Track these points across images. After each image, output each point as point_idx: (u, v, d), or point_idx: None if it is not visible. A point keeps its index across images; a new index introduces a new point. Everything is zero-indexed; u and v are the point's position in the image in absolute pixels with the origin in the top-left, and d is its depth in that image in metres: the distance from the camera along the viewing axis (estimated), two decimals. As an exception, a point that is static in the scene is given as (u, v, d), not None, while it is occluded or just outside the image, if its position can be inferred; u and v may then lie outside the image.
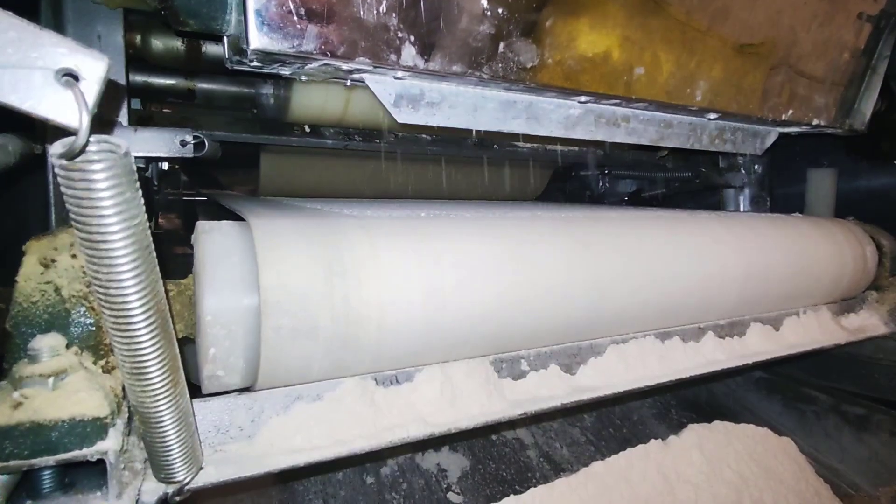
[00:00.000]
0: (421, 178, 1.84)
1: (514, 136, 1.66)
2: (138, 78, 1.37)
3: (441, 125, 0.94)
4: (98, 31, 1.02)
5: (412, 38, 0.73)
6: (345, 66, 0.73)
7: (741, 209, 1.90)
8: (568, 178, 2.38)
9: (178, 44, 1.16)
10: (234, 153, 1.68)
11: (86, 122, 0.41)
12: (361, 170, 1.78)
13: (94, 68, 0.44)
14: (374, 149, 1.47)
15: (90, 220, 0.43)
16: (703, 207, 2.04)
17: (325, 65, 0.72)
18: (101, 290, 0.46)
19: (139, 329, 0.48)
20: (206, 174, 2.26)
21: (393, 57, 0.73)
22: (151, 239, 0.49)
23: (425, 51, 0.74)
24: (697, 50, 1.01)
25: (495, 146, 1.66)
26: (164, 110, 1.38)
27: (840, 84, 1.30)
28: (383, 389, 0.79)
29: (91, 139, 0.42)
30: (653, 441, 1.13)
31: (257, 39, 0.65)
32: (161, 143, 1.06)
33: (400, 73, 0.78)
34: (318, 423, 0.71)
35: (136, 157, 1.11)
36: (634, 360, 1.01)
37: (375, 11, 0.71)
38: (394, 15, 0.72)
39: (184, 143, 1.07)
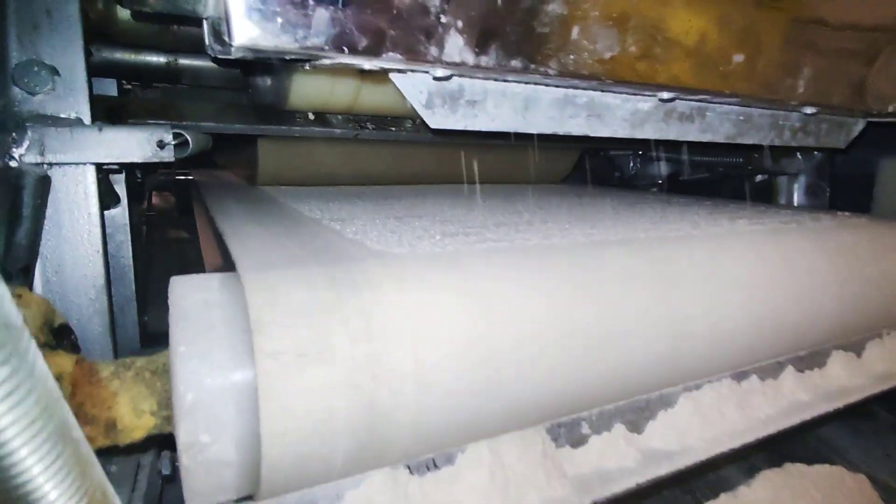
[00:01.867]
0: (438, 162, 1.63)
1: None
2: (112, 55, 1.16)
3: (484, 129, 0.74)
4: (46, 1, 0.81)
5: (459, 25, 0.53)
6: (367, 65, 0.53)
7: (794, 200, 1.70)
8: (596, 158, 2.17)
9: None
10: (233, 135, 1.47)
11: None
12: (371, 155, 1.57)
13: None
14: (389, 138, 1.27)
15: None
16: (750, 196, 1.84)
17: (339, 64, 0.52)
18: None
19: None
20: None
21: (433, 51, 0.53)
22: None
23: (477, 41, 0.54)
24: (803, 34, 0.80)
25: (525, 131, 1.45)
26: (141, 94, 1.17)
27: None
28: (418, 479, 0.62)
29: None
30: (722, 496, 0.98)
31: (243, 32, 0.45)
32: (134, 146, 0.86)
33: (441, 72, 0.57)
34: (338, 536, 0.55)
35: (104, 165, 0.93)
36: (710, 411, 0.85)
37: (409, -14, 0.50)
38: (433, -10, 0.52)
39: (162, 144, 0.87)
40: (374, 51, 0.50)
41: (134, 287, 1.22)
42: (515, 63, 0.58)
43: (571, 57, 0.60)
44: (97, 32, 0.93)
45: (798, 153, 1.66)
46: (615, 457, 0.74)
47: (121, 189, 1.17)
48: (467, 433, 0.64)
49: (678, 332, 0.76)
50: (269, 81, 1.16)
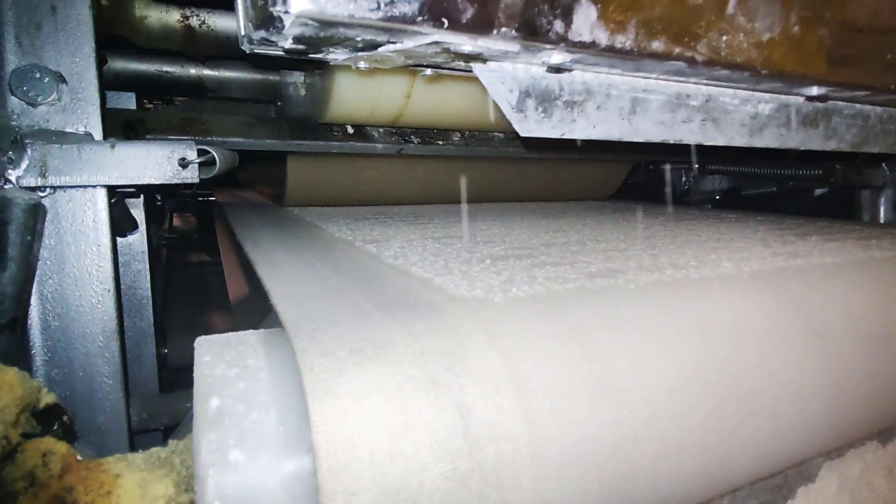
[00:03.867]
0: (481, 177, 1.49)
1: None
2: (129, 66, 1.04)
3: (583, 137, 0.60)
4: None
5: (591, -8, 0.38)
6: (467, 48, 0.39)
7: (880, 216, 1.52)
8: (645, 172, 2.01)
9: (173, 16, 0.82)
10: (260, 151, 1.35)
11: None
12: (409, 171, 1.43)
13: None
14: (436, 153, 1.13)
15: None
16: (828, 212, 1.67)
17: (434, 44, 0.38)
18: None
19: None
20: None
21: (558, 26, 0.39)
22: None
23: (613, 15, 0.39)
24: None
25: (578, 141, 1.30)
26: (162, 107, 1.05)
27: None
28: None
29: None
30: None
31: (306, -2, 0.31)
32: (152, 165, 0.73)
33: (559, 57, 0.43)
34: None
35: (116, 187, 0.79)
36: (858, 485, 0.67)
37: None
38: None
39: (184, 163, 0.74)
40: (482, 25, 0.36)
41: (152, 320, 1.09)
42: (657, 45, 0.43)
43: (724, 38, 0.45)
44: (111, 33, 0.80)
45: (884, 163, 1.49)
46: (758, 556, 0.58)
47: (139, 214, 1.05)
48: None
49: (834, 391, 0.59)
50: (305, 89, 1.03)
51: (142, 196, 1.05)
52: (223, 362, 0.38)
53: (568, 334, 0.47)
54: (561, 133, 0.57)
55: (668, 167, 1.97)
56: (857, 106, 0.78)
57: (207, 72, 1.08)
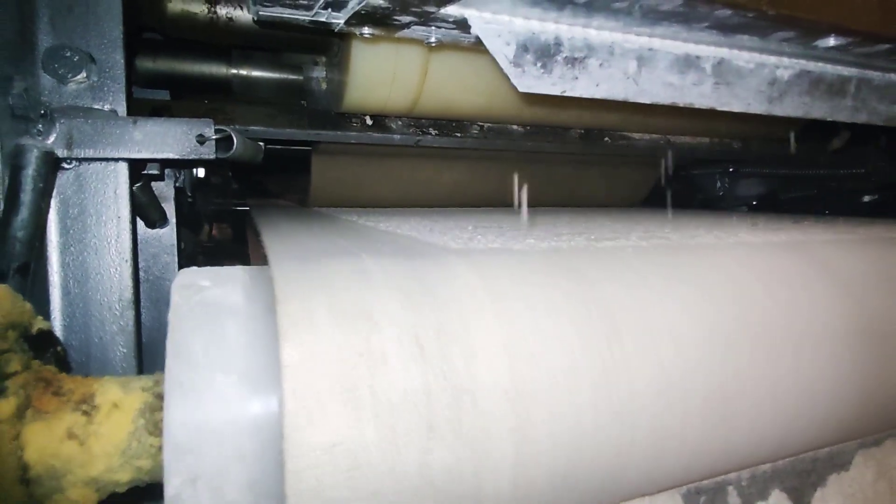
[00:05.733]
0: (507, 180, 1.48)
1: (629, 125, 1.28)
2: (164, 64, 1.10)
3: (586, 96, 0.58)
4: (84, -16, 0.73)
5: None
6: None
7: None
8: (677, 178, 1.96)
9: (200, 7, 0.86)
10: (289, 156, 1.39)
11: None
12: (433, 172, 1.44)
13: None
14: (454, 145, 1.13)
15: None
16: (868, 214, 1.58)
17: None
18: None
19: None
20: (257, 180, 2.01)
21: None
22: None
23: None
24: None
25: (606, 139, 1.28)
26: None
27: None
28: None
29: None
30: None
31: None
32: (171, 140, 0.76)
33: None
34: None
35: (138, 161, 0.83)
36: (900, 477, 0.61)
37: None
38: None
39: (202, 140, 0.76)
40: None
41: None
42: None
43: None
44: (141, 23, 0.85)
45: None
46: (780, 540, 0.53)
47: (169, 208, 1.09)
48: (574, 498, 0.45)
49: (872, 368, 0.55)
50: (325, 84, 1.06)
51: (173, 191, 1.10)
52: (199, 293, 0.39)
53: (574, 290, 0.45)
54: (562, 90, 0.57)
55: (700, 172, 1.91)
56: (891, 76, 0.75)
57: (235, 71, 1.13)
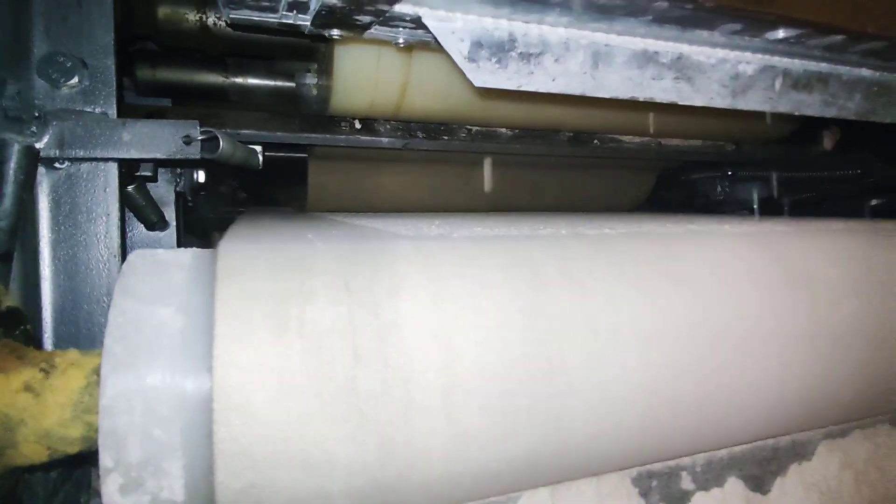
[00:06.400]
0: (499, 184, 1.50)
1: (621, 128, 1.29)
2: (164, 74, 1.15)
3: (543, 90, 0.60)
4: (78, -7, 0.78)
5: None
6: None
7: (932, 217, 1.40)
8: (676, 182, 1.96)
9: (191, 15, 0.90)
10: (292, 164, 1.43)
11: None
12: (425, 176, 1.47)
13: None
14: (441, 148, 1.15)
15: None
16: (868, 216, 1.56)
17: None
18: None
19: None
20: (261, 189, 2.05)
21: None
22: None
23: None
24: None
25: (595, 141, 1.29)
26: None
27: None
28: (454, 539, 0.45)
29: None
30: None
31: None
32: (158, 141, 0.79)
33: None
34: None
35: (128, 161, 0.87)
36: (867, 467, 0.61)
37: None
38: None
39: (188, 140, 0.80)
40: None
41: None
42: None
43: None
44: (134, 30, 0.90)
45: (932, 161, 1.39)
46: (734, 526, 0.53)
47: (169, 211, 1.14)
48: (521, 477, 0.46)
49: (830, 352, 0.55)
50: (316, 90, 1.09)
51: (173, 195, 1.14)
52: (152, 256, 0.41)
53: (511, 269, 0.47)
54: (518, 84, 0.59)
55: (699, 176, 1.91)
56: (860, 71, 0.75)
57: (231, 79, 1.18)
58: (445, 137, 1.14)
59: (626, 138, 1.32)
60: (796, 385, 0.54)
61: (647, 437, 0.48)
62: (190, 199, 1.37)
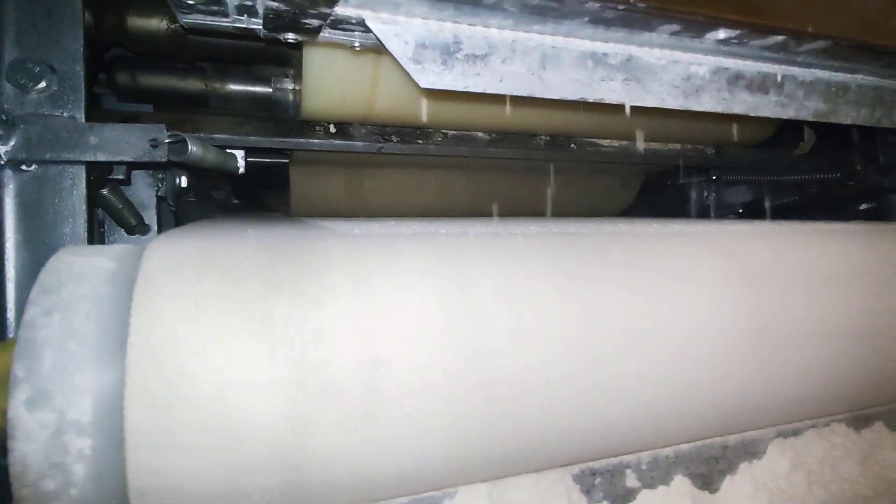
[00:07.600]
0: (479, 189, 1.51)
1: (598, 132, 1.30)
2: (145, 80, 1.16)
3: (491, 91, 0.61)
4: (48, 1, 0.79)
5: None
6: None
7: (914, 221, 1.40)
8: (662, 187, 1.96)
9: (160, 23, 0.92)
10: (278, 170, 1.45)
11: None
12: (403, 181, 1.48)
13: None
14: (416, 152, 1.16)
15: None
16: (853, 219, 1.55)
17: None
18: None
19: None
20: (253, 194, 2.07)
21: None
22: None
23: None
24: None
25: (572, 145, 1.30)
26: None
27: None
28: (386, 534, 0.45)
29: None
30: None
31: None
32: (126, 144, 0.81)
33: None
34: None
35: (96, 164, 0.88)
36: (822, 467, 0.61)
37: None
38: None
39: (155, 143, 0.81)
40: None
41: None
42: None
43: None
44: (104, 38, 0.91)
45: (913, 164, 1.39)
46: (678, 524, 0.53)
47: (150, 215, 1.15)
48: (457, 471, 0.47)
49: (778, 346, 0.55)
50: (293, 95, 1.10)
51: (155, 199, 1.15)
52: (68, 268, 0.42)
53: (428, 263, 0.47)
54: (465, 86, 0.59)
55: (686, 180, 1.91)
56: (815, 71, 0.76)
57: (209, 85, 1.20)
58: (420, 141, 1.15)
59: (605, 142, 1.32)
60: (741, 382, 0.54)
61: (581, 434, 0.49)
62: (172, 203, 1.38)
